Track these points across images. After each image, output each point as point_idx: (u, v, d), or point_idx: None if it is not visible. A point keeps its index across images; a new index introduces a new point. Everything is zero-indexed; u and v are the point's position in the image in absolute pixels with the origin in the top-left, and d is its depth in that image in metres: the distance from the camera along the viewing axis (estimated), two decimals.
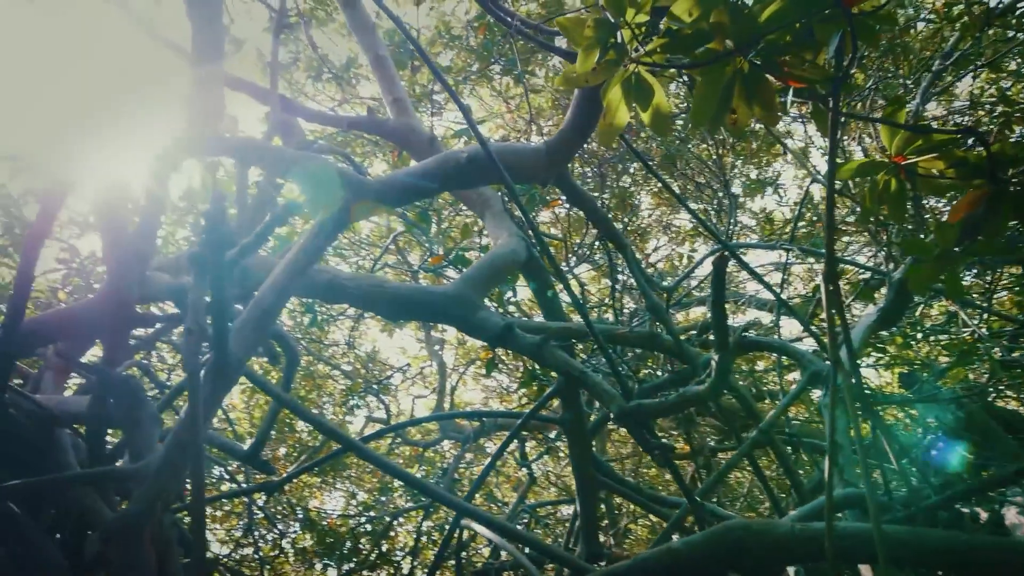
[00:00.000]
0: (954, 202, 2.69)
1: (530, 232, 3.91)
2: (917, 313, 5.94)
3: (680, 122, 7.04)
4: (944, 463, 3.60)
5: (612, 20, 2.43)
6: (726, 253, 2.91)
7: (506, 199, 4.88)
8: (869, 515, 2.02)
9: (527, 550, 4.71)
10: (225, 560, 9.43)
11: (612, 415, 3.60)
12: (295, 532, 11.05)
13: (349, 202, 3.56)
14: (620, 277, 6.57)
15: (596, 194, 7.57)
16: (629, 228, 9.32)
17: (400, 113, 5.11)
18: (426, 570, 9.13)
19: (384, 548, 10.70)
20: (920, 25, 6.62)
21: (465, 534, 7.32)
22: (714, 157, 6.87)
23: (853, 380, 3.48)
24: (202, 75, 2.87)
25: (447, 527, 5.27)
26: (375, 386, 10.27)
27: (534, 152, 3.98)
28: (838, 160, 3.04)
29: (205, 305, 2.40)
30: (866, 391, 3.27)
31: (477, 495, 11.74)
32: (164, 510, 2.79)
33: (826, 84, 2.55)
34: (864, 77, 6.39)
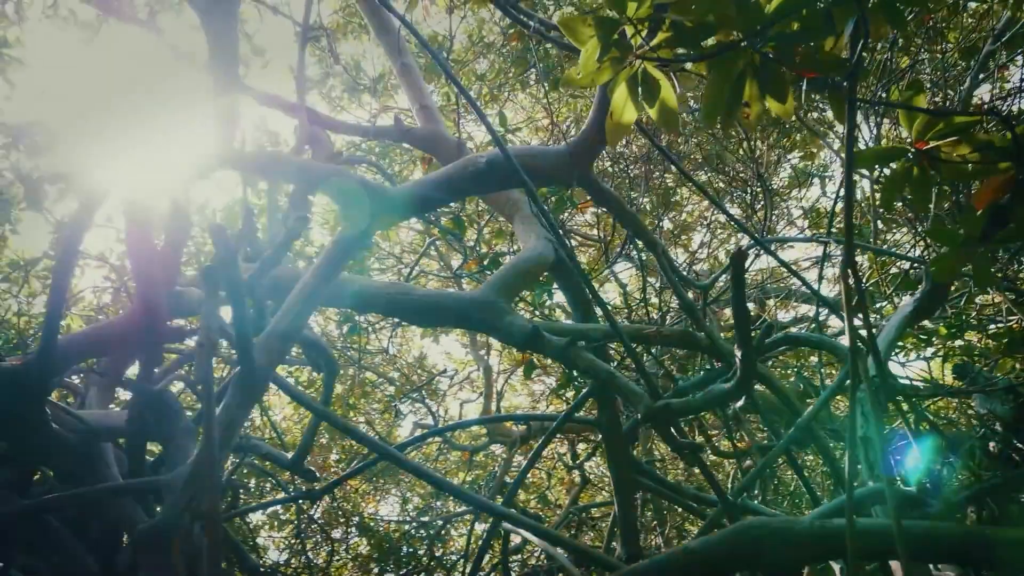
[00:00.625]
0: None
1: (554, 233, 3.88)
2: (965, 302, 5.72)
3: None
4: (983, 457, 3.47)
5: (614, 16, 2.40)
6: (744, 249, 2.86)
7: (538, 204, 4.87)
8: (892, 510, 1.95)
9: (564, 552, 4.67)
10: (284, 568, 9.62)
11: (639, 415, 3.56)
12: (353, 538, 11.22)
13: (371, 212, 3.60)
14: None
15: (636, 193, 7.49)
16: (673, 225, 9.21)
17: (427, 120, 5.15)
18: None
19: (438, 552, 10.75)
20: (972, 5, 6.38)
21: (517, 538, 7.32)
22: (752, 151, 6.70)
23: (874, 373, 3.38)
24: (220, 91, 2.93)
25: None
26: (421, 392, 10.31)
27: (556, 154, 3.96)
28: (861, 148, 2.95)
29: (217, 320, 2.44)
30: (895, 383, 3.16)
31: (531, 500, 11.73)
32: (193, 520, 2.84)
33: (841, 72, 2.48)
34: (907, 62, 6.19)
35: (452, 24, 6.00)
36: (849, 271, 2.35)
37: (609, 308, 6.08)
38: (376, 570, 10.62)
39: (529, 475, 11.84)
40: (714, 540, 2.32)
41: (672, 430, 3.64)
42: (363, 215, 3.50)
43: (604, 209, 5.25)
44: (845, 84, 2.49)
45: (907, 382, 5.60)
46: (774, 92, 2.53)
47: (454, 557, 10.96)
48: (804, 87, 2.57)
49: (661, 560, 2.35)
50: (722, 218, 10.03)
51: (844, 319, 2.31)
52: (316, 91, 7.42)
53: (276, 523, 10.43)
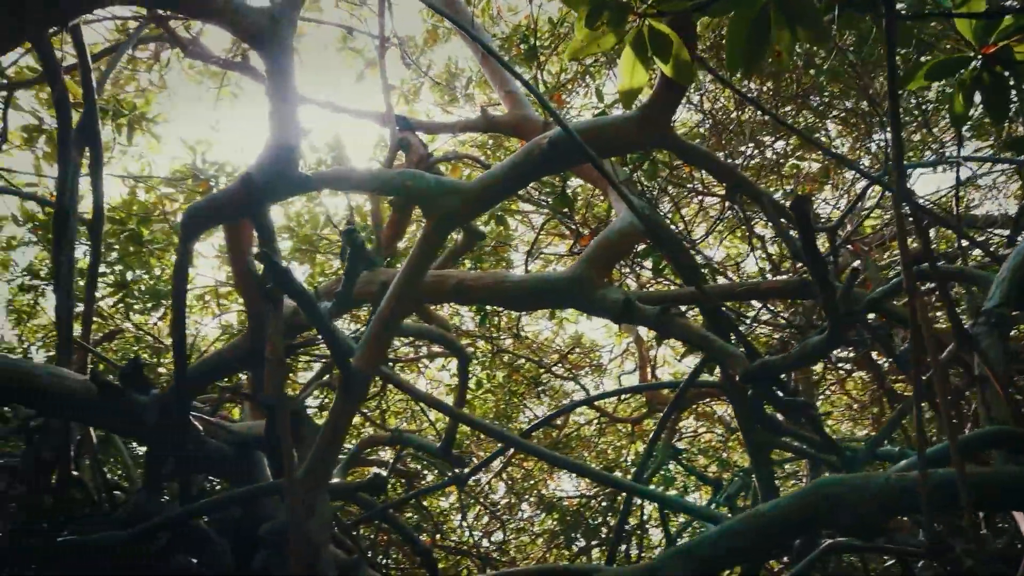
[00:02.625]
0: None
1: (622, 196, 3.80)
2: None
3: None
4: None
5: None
6: (806, 196, 2.69)
7: (628, 172, 4.80)
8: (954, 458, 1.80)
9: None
10: (475, 549, 10.13)
11: (737, 377, 3.45)
12: (536, 516, 11.56)
13: (447, 209, 3.71)
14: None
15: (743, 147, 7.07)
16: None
17: (513, 105, 5.19)
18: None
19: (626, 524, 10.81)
20: None
21: None
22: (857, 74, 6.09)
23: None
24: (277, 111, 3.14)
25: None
26: (572, 370, 10.41)
27: (622, 120, 3.88)
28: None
29: (281, 335, 2.64)
30: None
31: (710, 464, 11.50)
32: (308, 517, 3.10)
33: None
34: None
35: (533, 8, 5.97)
36: (902, 207, 2.16)
37: (709, 267, 5.87)
38: (562, 544, 10.86)
39: (706, 438, 11.66)
40: (784, 502, 2.23)
41: (775, 389, 3.51)
42: (438, 212, 3.61)
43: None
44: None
45: None
46: (804, 20, 2.37)
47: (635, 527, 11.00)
48: (836, 13, 2.38)
49: (732, 524, 2.29)
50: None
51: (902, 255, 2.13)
52: (412, 97, 7.65)
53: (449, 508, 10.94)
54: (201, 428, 4.06)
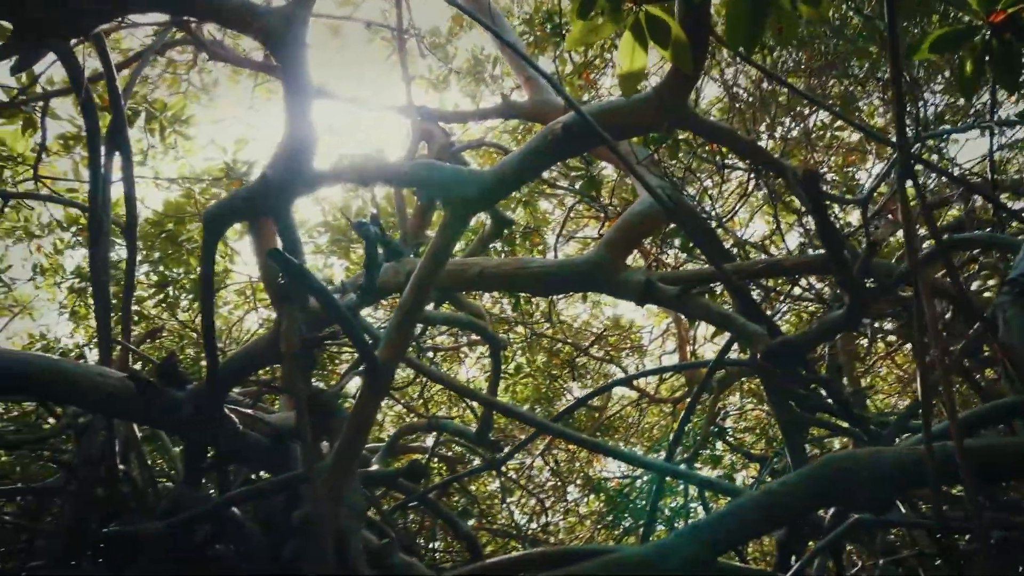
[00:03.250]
0: None
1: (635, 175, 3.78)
2: None
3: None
4: None
5: None
6: (814, 170, 2.65)
7: (651, 152, 4.77)
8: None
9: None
10: (521, 531, 10.25)
11: (758, 355, 3.43)
12: (584, 499, 11.63)
13: (463, 197, 3.74)
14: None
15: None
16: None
17: (533, 91, 5.19)
18: None
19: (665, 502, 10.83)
20: None
21: None
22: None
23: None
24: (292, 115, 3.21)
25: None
26: (608, 351, 10.40)
27: (640, 101, 3.84)
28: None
29: (298, 329, 2.71)
30: None
31: (756, 441, 11.39)
32: (337, 505, 3.19)
33: None
34: None
35: None
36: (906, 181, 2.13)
37: (740, 244, 5.79)
38: (608, 525, 10.89)
39: (754, 415, 11.55)
40: (794, 479, 2.22)
41: (798, 367, 3.48)
42: (455, 201, 3.65)
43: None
44: None
45: None
46: None
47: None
48: None
49: (743, 503, 2.29)
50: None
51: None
52: (442, 86, 7.68)
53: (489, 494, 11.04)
54: (237, 421, 4.18)
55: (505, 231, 5.93)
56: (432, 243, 3.83)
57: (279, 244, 3.60)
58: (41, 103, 5.29)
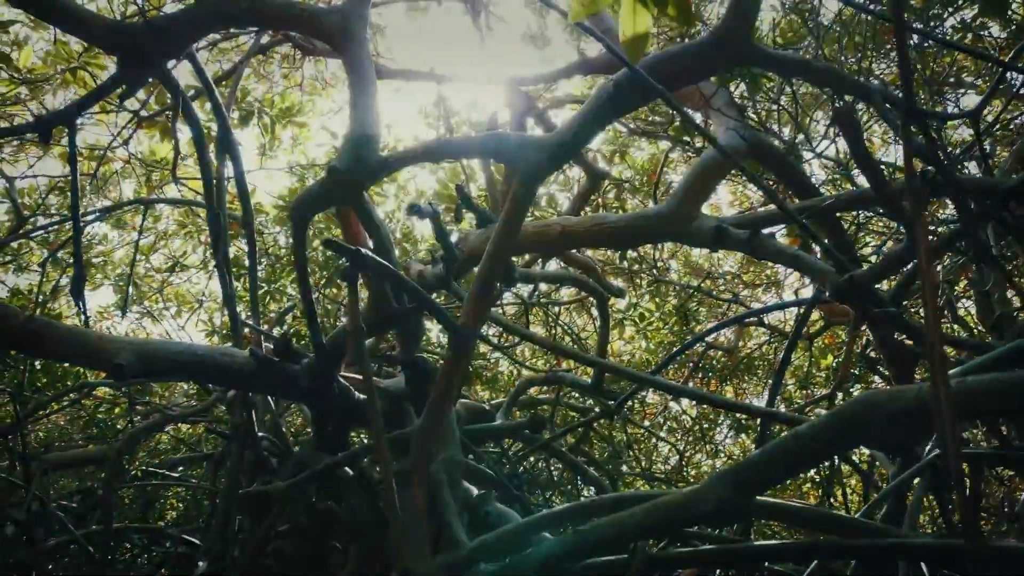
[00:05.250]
0: None
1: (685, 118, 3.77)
2: None
3: None
4: None
5: None
6: (848, 105, 2.58)
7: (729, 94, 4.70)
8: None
9: None
10: (664, 473, 10.43)
11: (827, 293, 3.39)
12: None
13: (534, 163, 3.87)
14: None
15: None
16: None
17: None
18: None
19: None
20: None
21: None
22: None
23: None
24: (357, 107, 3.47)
25: None
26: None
27: (697, 47, 3.79)
28: None
29: (357, 309, 2.98)
30: None
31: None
32: (430, 461, 3.50)
33: None
34: None
35: None
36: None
37: (834, 178, 5.52)
38: None
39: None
40: (821, 421, 2.26)
41: (866, 303, 3.40)
42: (522, 168, 3.79)
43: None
44: None
45: None
46: None
47: None
48: None
49: (771, 448, 2.35)
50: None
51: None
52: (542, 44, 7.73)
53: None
54: (352, 388, 4.60)
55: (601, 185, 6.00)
56: (504, 211, 4.01)
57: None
58: (170, 113, 5.89)
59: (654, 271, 9.66)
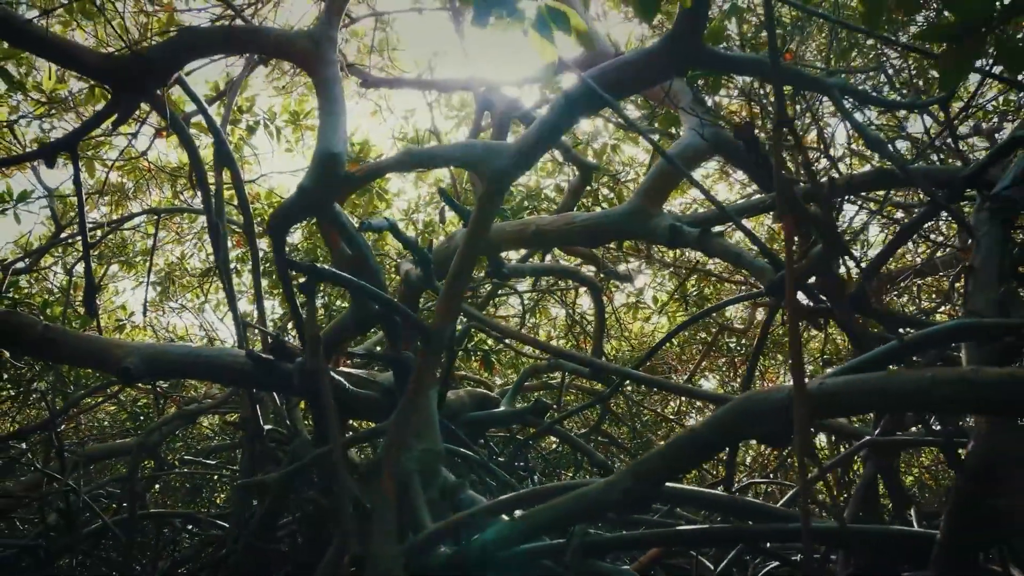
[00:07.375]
0: None
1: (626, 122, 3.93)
2: None
3: None
4: None
5: None
6: (749, 122, 2.75)
7: (698, 91, 4.84)
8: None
9: None
10: None
11: (763, 288, 3.57)
12: None
13: (497, 168, 4.09)
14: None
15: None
16: None
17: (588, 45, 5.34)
18: None
19: None
20: None
21: None
22: None
23: None
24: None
25: None
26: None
27: (647, 54, 3.95)
28: None
29: (314, 318, 3.26)
30: None
31: None
32: (400, 454, 3.78)
33: None
34: None
35: None
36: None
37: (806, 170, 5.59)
38: None
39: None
40: (712, 419, 2.46)
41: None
42: (488, 173, 4.01)
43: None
44: None
45: None
46: None
47: None
48: None
49: (671, 443, 2.57)
50: None
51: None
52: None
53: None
54: (346, 383, 4.91)
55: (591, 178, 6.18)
56: (474, 213, 4.25)
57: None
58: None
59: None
